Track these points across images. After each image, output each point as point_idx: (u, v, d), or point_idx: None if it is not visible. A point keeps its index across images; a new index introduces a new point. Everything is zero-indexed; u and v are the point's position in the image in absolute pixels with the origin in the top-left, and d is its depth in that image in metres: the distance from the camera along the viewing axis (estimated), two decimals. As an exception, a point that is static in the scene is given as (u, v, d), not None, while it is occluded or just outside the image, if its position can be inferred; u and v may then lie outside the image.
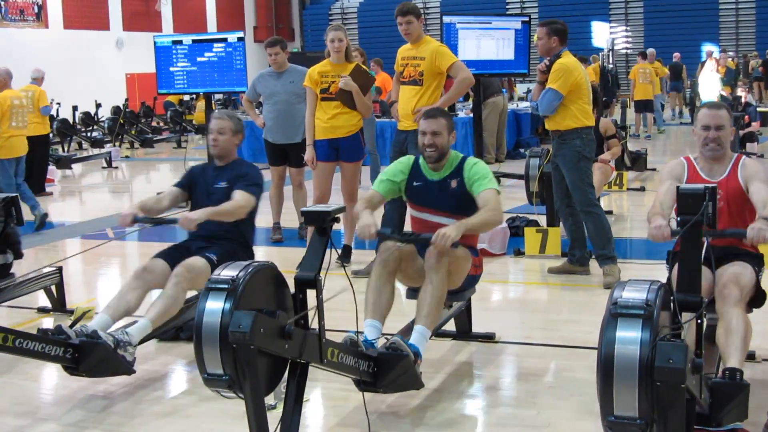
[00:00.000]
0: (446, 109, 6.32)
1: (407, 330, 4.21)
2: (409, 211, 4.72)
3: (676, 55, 20.72)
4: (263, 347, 3.10)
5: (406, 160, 4.62)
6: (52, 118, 17.51)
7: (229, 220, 4.82)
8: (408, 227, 4.84)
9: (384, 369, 3.76)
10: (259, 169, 5.19)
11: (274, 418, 3.36)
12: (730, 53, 23.23)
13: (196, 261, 4.66)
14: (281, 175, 8.04)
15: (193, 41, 10.05)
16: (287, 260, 6.58)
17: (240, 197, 4.81)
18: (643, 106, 17.20)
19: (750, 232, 3.59)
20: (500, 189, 4.50)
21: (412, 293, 4.51)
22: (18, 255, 5.55)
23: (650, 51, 17.99)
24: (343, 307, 3.94)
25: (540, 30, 6.23)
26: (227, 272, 3.27)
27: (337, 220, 3.53)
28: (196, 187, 5.12)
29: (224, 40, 9.60)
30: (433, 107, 5.43)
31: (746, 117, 12.27)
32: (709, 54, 19.41)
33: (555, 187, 6.57)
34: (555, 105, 6.14)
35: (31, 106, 12.08)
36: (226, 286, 3.19)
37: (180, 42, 10.11)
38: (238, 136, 5.10)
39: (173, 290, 4.51)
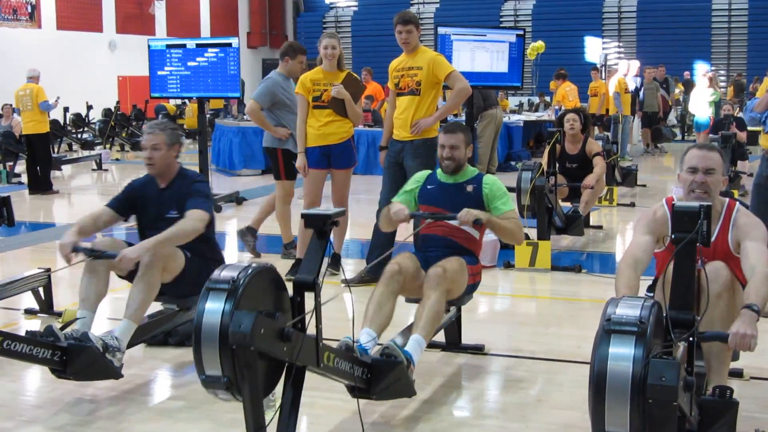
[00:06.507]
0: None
1: (401, 337, 4.21)
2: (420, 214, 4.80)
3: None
4: (262, 349, 3.08)
5: (423, 173, 4.92)
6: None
7: (182, 243, 4.55)
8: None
9: (378, 376, 3.75)
10: (204, 177, 4.94)
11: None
12: (721, 72, 23.31)
13: None
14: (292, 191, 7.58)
15: (188, 46, 10.02)
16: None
17: (192, 216, 4.56)
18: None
19: (732, 339, 3.19)
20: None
21: (412, 300, 4.60)
22: None
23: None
24: (335, 315, 3.93)
25: None
26: (227, 273, 3.25)
27: (336, 223, 3.52)
28: (143, 209, 4.83)
29: (221, 45, 9.57)
30: (452, 122, 5.57)
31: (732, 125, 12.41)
32: (704, 72, 19.55)
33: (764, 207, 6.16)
34: None
35: (30, 104, 12.07)
36: (226, 286, 3.17)
37: (174, 46, 10.09)
38: (175, 147, 4.77)
39: (146, 274, 4.37)
